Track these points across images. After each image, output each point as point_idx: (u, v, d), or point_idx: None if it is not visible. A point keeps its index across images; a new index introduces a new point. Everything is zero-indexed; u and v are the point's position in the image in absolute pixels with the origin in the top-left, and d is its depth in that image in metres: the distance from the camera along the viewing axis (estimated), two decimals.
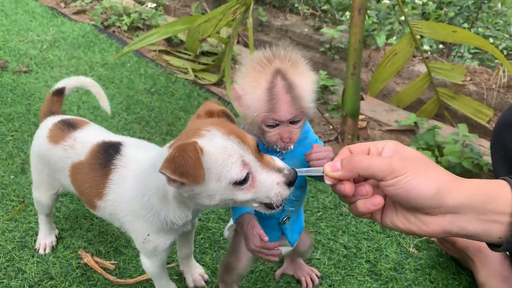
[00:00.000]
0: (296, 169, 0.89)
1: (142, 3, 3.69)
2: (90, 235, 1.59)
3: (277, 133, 0.99)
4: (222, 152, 0.85)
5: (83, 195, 1.23)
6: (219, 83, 2.69)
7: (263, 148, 1.04)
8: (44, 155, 1.31)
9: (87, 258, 1.49)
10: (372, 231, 1.68)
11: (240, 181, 0.86)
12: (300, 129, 1.01)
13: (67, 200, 1.73)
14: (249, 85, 0.97)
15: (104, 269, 1.47)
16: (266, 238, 1.03)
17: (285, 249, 1.22)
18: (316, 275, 1.47)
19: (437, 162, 1.89)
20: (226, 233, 1.35)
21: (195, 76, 2.74)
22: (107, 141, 1.22)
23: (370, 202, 0.76)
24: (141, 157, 1.14)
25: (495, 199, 0.71)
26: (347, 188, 0.76)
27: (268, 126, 0.98)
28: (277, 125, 0.98)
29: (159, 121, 2.26)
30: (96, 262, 1.49)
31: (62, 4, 3.69)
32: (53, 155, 1.27)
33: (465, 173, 1.89)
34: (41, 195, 1.41)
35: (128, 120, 2.23)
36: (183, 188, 0.88)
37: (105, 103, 1.55)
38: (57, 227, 1.60)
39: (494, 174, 1.29)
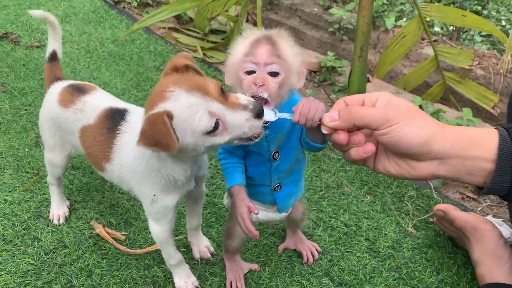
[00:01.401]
0: (275, 111, 0.96)
1: None
2: (101, 207, 1.66)
3: (252, 78, 0.98)
4: (188, 110, 0.91)
5: (92, 157, 1.30)
6: None
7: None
8: (56, 118, 1.37)
9: (99, 229, 1.56)
10: (372, 210, 1.74)
11: (211, 130, 0.92)
12: (278, 84, 0.99)
13: (80, 174, 1.80)
14: (236, 47, 1.02)
15: (115, 239, 1.54)
16: (256, 211, 1.10)
17: (271, 215, 1.30)
18: (317, 250, 1.54)
19: None
20: (226, 200, 1.40)
21: (204, 54, 2.77)
22: (114, 107, 1.28)
23: (362, 149, 0.83)
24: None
25: (480, 146, 0.78)
26: (341, 137, 0.83)
27: (245, 73, 0.99)
28: (254, 72, 0.99)
29: None
30: (108, 232, 1.56)
31: None
32: (64, 118, 1.33)
33: None
34: (55, 157, 1.47)
35: (138, 97, 2.28)
36: (165, 152, 0.96)
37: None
38: (70, 199, 1.68)
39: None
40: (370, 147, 0.82)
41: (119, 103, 1.33)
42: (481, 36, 3.59)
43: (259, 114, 0.93)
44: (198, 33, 2.98)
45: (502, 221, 1.66)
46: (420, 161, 0.80)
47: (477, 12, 3.05)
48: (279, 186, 1.22)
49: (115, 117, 1.24)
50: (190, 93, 0.91)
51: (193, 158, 1.08)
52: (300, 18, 3.35)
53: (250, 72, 0.99)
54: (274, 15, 3.47)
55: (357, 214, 1.72)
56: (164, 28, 3.06)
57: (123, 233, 1.57)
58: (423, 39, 2.90)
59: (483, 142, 0.78)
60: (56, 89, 1.40)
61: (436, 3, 3.61)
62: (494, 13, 3.12)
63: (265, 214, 1.30)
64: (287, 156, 1.15)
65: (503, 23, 3.58)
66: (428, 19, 2.36)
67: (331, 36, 3.11)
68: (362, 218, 1.70)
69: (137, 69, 2.52)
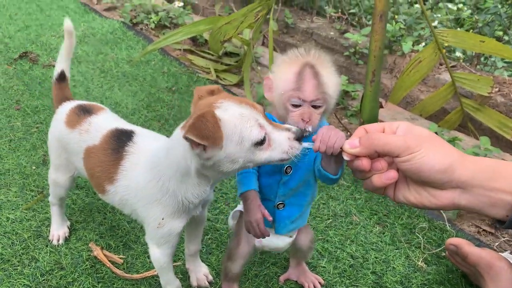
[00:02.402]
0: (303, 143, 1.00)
1: (171, 2, 3.75)
2: (102, 229, 1.64)
3: (299, 113, 1.07)
4: (239, 118, 0.94)
5: (94, 178, 1.28)
6: (240, 84, 2.71)
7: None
8: (62, 139, 1.37)
9: (97, 251, 1.53)
10: (381, 242, 1.66)
11: (260, 141, 0.95)
12: (320, 115, 1.09)
13: (83, 193, 1.79)
14: (281, 71, 1.11)
15: (113, 263, 1.51)
16: (271, 218, 1.14)
17: (275, 241, 1.29)
18: (320, 283, 1.47)
19: None
20: (231, 222, 1.40)
21: (217, 76, 2.77)
22: (120, 128, 1.27)
23: (385, 176, 0.82)
24: (151, 145, 1.20)
25: (502, 178, 0.76)
26: (364, 163, 0.83)
27: (292, 105, 1.08)
28: (300, 106, 1.08)
29: (178, 119, 2.29)
30: (105, 255, 1.53)
31: (95, 1, 3.80)
32: (70, 139, 1.33)
33: None
34: (59, 177, 1.47)
35: (147, 117, 2.28)
36: (206, 154, 0.95)
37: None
38: (71, 219, 1.66)
39: None
40: (393, 174, 0.82)
41: (125, 125, 1.32)
42: (504, 62, 3.50)
43: (299, 138, 0.98)
44: (213, 55, 2.99)
45: None
46: (441, 190, 0.79)
47: (498, 38, 2.97)
48: (282, 205, 1.22)
49: (121, 138, 1.23)
50: (240, 105, 0.96)
51: (219, 178, 1.09)
52: (316, 42, 3.34)
53: (296, 106, 1.08)
54: (290, 38, 3.47)
55: (365, 245, 1.64)
56: (180, 49, 3.09)
57: (121, 256, 1.53)
58: (441, 64, 2.83)
59: (507, 173, 0.77)
60: (64, 110, 1.41)
61: (459, 29, 3.55)
62: None
63: (270, 239, 1.27)
64: (297, 174, 1.18)
65: None
66: (446, 44, 2.30)
67: (347, 60, 3.08)
68: (370, 250, 1.62)
69: (149, 89, 2.53)
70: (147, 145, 1.21)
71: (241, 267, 1.34)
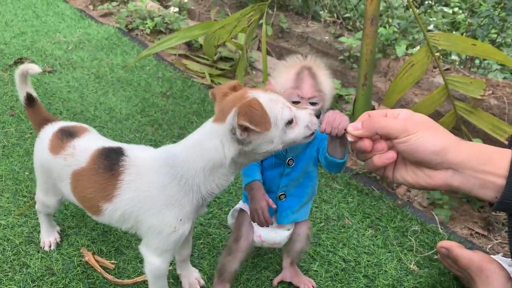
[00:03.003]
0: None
1: (166, 7, 3.76)
2: (94, 234, 1.64)
3: None
4: (271, 102, 1.02)
5: (86, 201, 1.26)
6: None
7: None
8: (47, 165, 1.34)
9: (88, 257, 1.53)
10: (373, 245, 1.66)
11: (290, 120, 1.03)
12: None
13: None
14: (281, 75, 1.21)
15: (104, 268, 1.51)
16: (274, 206, 1.24)
17: (273, 235, 1.36)
18: (313, 286, 1.46)
19: None
20: (230, 220, 1.46)
21: (212, 81, 2.78)
22: (107, 146, 1.26)
23: (384, 156, 0.89)
24: (147, 154, 1.21)
25: (493, 162, 0.83)
26: (366, 143, 0.89)
27: (292, 103, 1.14)
28: (299, 103, 1.17)
29: (172, 124, 2.30)
30: (97, 261, 1.53)
31: (91, 7, 3.81)
32: (55, 165, 1.31)
33: None
34: (47, 200, 1.45)
35: (141, 123, 2.28)
36: (249, 139, 1.03)
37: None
38: (63, 225, 1.66)
39: None
40: (392, 154, 0.89)
41: (111, 143, 1.30)
42: (499, 64, 3.50)
43: (317, 115, 1.08)
44: (208, 60, 3.00)
45: None
46: (435, 170, 0.85)
47: (492, 41, 2.98)
48: (284, 195, 1.31)
49: (111, 156, 1.22)
50: (267, 93, 1.05)
51: (248, 163, 1.16)
52: (311, 46, 3.35)
53: (295, 102, 1.17)
54: (286, 43, 3.48)
55: (357, 248, 1.64)
56: (175, 54, 3.10)
57: (113, 261, 1.53)
58: (434, 67, 2.84)
59: (496, 158, 0.83)
60: (46, 135, 1.37)
61: (455, 32, 3.56)
62: (510, 41, 3.04)
63: (268, 233, 1.35)
64: (299, 165, 1.28)
65: None
66: (439, 47, 2.31)
67: (341, 64, 3.09)
68: (362, 253, 1.62)
69: (143, 94, 2.54)
70: (145, 154, 1.21)
71: (239, 263, 1.37)
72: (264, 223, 1.25)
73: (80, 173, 1.25)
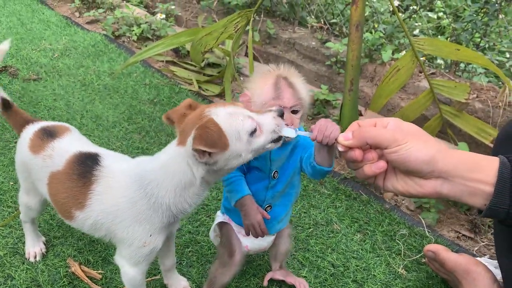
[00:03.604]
0: (296, 129, 1.09)
1: (153, 14, 3.75)
2: (80, 244, 1.62)
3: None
4: (230, 117, 1.02)
5: (59, 204, 1.25)
6: (222, 95, 2.72)
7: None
8: (27, 164, 1.34)
9: (75, 267, 1.51)
10: (362, 249, 1.66)
11: (254, 130, 1.03)
12: (299, 119, 1.20)
13: None
14: (258, 86, 1.22)
15: (91, 278, 1.49)
16: (269, 216, 1.25)
17: (257, 242, 1.36)
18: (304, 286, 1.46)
19: None
20: (212, 234, 1.46)
21: (199, 87, 2.77)
22: (84, 152, 1.24)
23: (375, 165, 0.90)
24: (122, 166, 1.19)
25: (481, 170, 0.84)
26: (357, 154, 0.91)
27: None
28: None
29: (159, 131, 2.29)
30: (84, 271, 1.51)
31: (77, 14, 3.79)
32: (34, 164, 1.30)
33: None
34: (30, 200, 1.44)
35: (128, 130, 2.27)
36: (213, 159, 1.02)
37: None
38: (49, 235, 1.64)
39: None
40: (382, 164, 0.90)
41: (89, 147, 1.29)
42: (483, 68, 3.55)
43: (281, 114, 1.07)
44: (195, 66, 3.00)
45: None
46: (425, 179, 0.86)
47: (477, 45, 3.02)
48: (270, 207, 1.31)
49: (86, 163, 1.20)
50: (226, 107, 1.04)
51: (219, 179, 1.16)
52: (298, 52, 3.37)
53: None
54: (273, 49, 3.49)
55: (346, 253, 1.64)
56: (162, 61, 3.09)
57: (100, 271, 1.51)
58: (420, 72, 2.87)
59: (485, 166, 0.85)
60: (27, 134, 1.36)
61: (440, 36, 3.60)
62: (498, 46, 3.09)
63: (252, 241, 1.35)
64: (284, 176, 1.28)
65: (507, 55, 3.54)
66: (425, 52, 2.34)
67: (328, 69, 3.10)
68: (351, 258, 1.62)
69: (130, 102, 2.52)
70: (118, 166, 1.20)
71: (232, 277, 1.36)
72: (261, 235, 1.26)
73: (56, 176, 1.24)
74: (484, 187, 0.84)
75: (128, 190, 1.14)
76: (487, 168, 0.84)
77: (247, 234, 1.28)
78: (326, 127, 1.04)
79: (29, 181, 1.38)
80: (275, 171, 1.27)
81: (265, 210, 1.30)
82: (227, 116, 1.02)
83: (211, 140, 0.97)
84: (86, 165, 1.19)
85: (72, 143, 1.30)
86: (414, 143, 0.85)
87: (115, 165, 1.20)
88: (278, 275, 1.49)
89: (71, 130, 1.37)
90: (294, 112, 1.20)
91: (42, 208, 1.47)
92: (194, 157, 1.02)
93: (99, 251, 1.59)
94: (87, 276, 1.49)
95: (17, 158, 1.41)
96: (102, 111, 2.41)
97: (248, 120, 1.03)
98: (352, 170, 0.97)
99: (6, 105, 1.43)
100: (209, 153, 1.00)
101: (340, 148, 0.93)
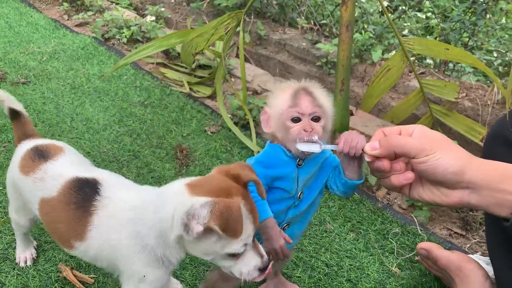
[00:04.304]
0: (321, 143, 1.05)
1: (143, 16, 3.74)
2: None
3: (300, 127, 1.09)
4: (244, 225, 0.94)
5: (56, 234, 1.19)
6: (213, 96, 2.71)
7: (290, 157, 1.16)
8: (17, 183, 1.27)
9: (66, 272, 1.49)
10: (355, 249, 1.67)
11: (234, 254, 0.97)
12: (322, 128, 1.11)
13: None
14: (276, 98, 1.15)
15: (83, 283, 1.47)
16: (291, 241, 1.19)
17: None
18: None
19: None
20: None
21: (190, 89, 2.76)
22: (82, 178, 1.15)
23: (403, 176, 0.89)
24: (123, 196, 1.11)
25: (509, 181, 0.84)
26: (385, 164, 0.90)
27: (292, 121, 1.10)
28: (300, 120, 1.10)
29: (150, 133, 2.27)
30: (76, 276, 1.49)
31: (65, 17, 3.76)
32: (24, 186, 1.22)
33: None
34: (20, 218, 1.39)
35: (119, 133, 2.25)
36: (198, 236, 0.92)
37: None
38: (40, 240, 1.61)
39: None
40: (410, 175, 0.89)
41: (86, 171, 1.19)
42: (472, 67, 3.59)
43: (264, 269, 1.01)
44: (186, 68, 2.99)
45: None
46: (452, 189, 0.87)
47: (465, 44, 3.05)
48: (288, 225, 1.24)
49: (84, 190, 1.12)
50: (247, 215, 0.96)
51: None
52: (289, 53, 3.37)
53: (296, 120, 1.10)
54: (264, 50, 3.50)
55: (339, 253, 1.64)
56: (153, 63, 3.08)
57: (92, 276, 1.50)
58: (410, 72, 2.89)
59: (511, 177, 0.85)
60: (20, 151, 1.28)
61: (428, 36, 3.63)
62: (485, 45, 3.12)
63: None
64: (310, 196, 1.21)
65: (495, 54, 3.58)
66: (414, 52, 2.35)
67: (319, 70, 3.12)
68: (344, 258, 1.62)
69: (121, 104, 2.50)
70: (119, 197, 1.12)
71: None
72: (282, 259, 1.21)
73: (50, 203, 1.15)
74: (511, 197, 0.84)
75: (124, 225, 1.07)
76: None
77: (270, 259, 1.19)
78: (351, 138, 1.01)
79: (19, 200, 1.32)
80: (301, 192, 1.20)
81: (283, 229, 1.23)
82: (242, 221, 0.94)
83: (229, 225, 0.90)
84: (84, 193, 1.11)
85: (67, 166, 1.21)
86: (443, 154, 0.84)
87: (114, 196, 1.12)
88: (271, 286, 1.48)
89: (65, 150, 1.27)
90: (315, 120, 1.11)
91: (32, 225, 1.42)
92: (185, 215, 0.92)
93: None
94: (79, 281, 1.47)
95: (8, 173, 1.33)
96: (92, 114, 2.39)
97: (241, 244, 0.96)
98: (378, 178, 0.97)
99: (13, 114, 1.36)
100: (206, 232, 0.92)
101: (367, 158, 0.93)
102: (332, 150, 1.08)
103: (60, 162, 1.22)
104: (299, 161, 1.15)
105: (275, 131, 1.15)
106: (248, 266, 1.00)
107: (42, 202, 1.17)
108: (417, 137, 0.89)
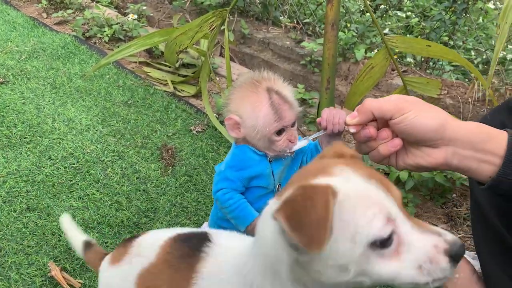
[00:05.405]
0: (307, 137, 1.06)
1: (125, 15, 3.68)
2: (56, 252, 1.56)
3: (285, 138, 1.14)
4: (362, 199, 0.65)
5: None
6: (198, 95, 2.69)
7: (261, 155, 1.18)
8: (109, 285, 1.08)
9: (55, 271, 1.46)
10: None
11: (382, 241, 0.63)
12: (296, 130, 1.18)
13: (35, 216, 1.70)
14: (250, 109, 1.14)
15: (70, 286, 1.44)
16: None
17: None
18: None
19: (409, 176, 1.90)
20: None
21: (174, 88, 2.74)
22: (185, 233, 1.01)
23: (391, 143, 0.89)
24: (235, 244, 0.92)
25: (492, 140, 0.84)
26: (371, 130, 0.89)
27: (276, 134, 1.14)
28: (283, 131, 1.14)
29: (135, 133, 2.24)
30: (64, 277, 1.46)
31: (44, 15, 3.67)
32: (115, 276, 1.05)
33: (438, 188, 1.90)
34: None
35: (102, 133, 2.21)
36: (302, 252, 0.65)
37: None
38: (22, 244, 1.57)
39: (470, 185, 1.33)
40: (398, 141, 0.89)
41: (184, 230, 1.04)
42: (451, 65, 3.66)
43: (455, 257, 0.65)
44: (170, 67, 2.96)
45: (476, 254, 1.61)
46: (434, 148, 0.86)
47: (445, 43, 3.10)
48: None
49: (191, 241, 0.96)
50: (368, 180, 0.67)
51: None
52: (273, 52, 3.37)
53: (279, 132, 1.14)
54: (248, 48, 3.49)
55: None
56: (136, 62, 3.03)
57: (79, 280, 1.47)
58: (393, 70, 2.93)
59: (495, 137, 0.84)
60: (105, 260, 1.12)
61: (408, 35, 3.68)
62: (460, 43, 3.18)
63: None
64: None
65: (473, 53, 3.66)
66: (397, 50, 2.38)
67: (303, 68, 3.12)
68: None
69: (104, 104, 2.46)
70: (230, 244, 0.92)
71: None
72: None
73: (149, 271, 0.97)
74: (493, 159, 0.83)
75: (231, 277, 0.84)
76: (497, 139, 0.84)
77: None
78: (332, 116, 1.03)
79: None
80: (279, 184, 1.22)
81: None
82: (359, 194, 0.65)
83: (300, 220, 0.60)
84: (191, 243, 0.95)
85: (159, 232, 1.09)
86: (420, 111, 0.84)
87: (226, 243, 0.93)
88: None
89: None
90: (293, 125, 1.16)
91: None
92: (281, 230, 0.65)
93: (76, 259, 1.54)
94: (67, 283, 1.44)
95: None
96: (74, 114, 2.34)
97: (381, 220, 0.64)
98: (366, 155, 0.96)
99: (87, 246, 1.24)
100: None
101: (352, 129, 0.91)
102: (318, 136, 1.09)
103: (151, 234, 1.10)
104: (269, 158, 1.19)
105: (251, 138, 1.17)
106: (425, 252, 0.64)
107: (140, 276, 0.98)
108: (393, 99, 0.90)
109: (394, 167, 0.95)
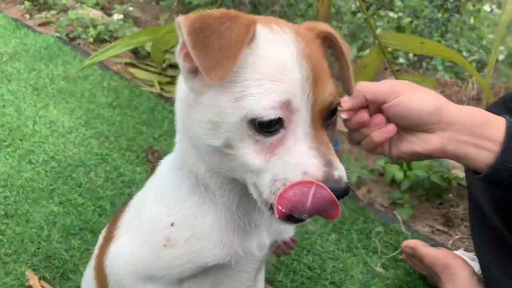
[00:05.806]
0: None
1: (110, 15, 3.60)
2: (35, 260, 1.47)
3: None
4: (273, 67, 0.57)
5: None
6: None
7: None
8: None
9: (34, 281, 1.37)
10: (338, 250, 1.61)
11: (264, 123, 0.56)
12: None
13: (14, 223, 1.61)
14: None
15: None
16: None
17: None
18: None
19: (405, 176, 1.84)
20: None
21: (161, 89, 2.66)
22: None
23: (385, 130, 0.83)
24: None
25: (490, 126, 0.80)
26: (364, 115, 0.83)
27: None
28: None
29: (119, 136, 2.15)
30: (43, 287, 1.38)
31: (27, 16, 3.57)
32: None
33: (434, 188, 1.84)
34: None
35: (86, 136, 2.12)
36: (193, 70, 0.60)
37: None
38: (0, 252, 1.48)
39: (467, 183, 1.29)
40: (392, 127, 0.84)
41: None
42: (443, 65, 3.64)
43: (339, 192, 0.61)
44: (156, 67, 2.88)
45: (474, 255, 1.55)
46: (430, 133, 0.81)
47: (437, 42, 3.08)
48: None
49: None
50: (300, 58, 0.60)
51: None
52: None
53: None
54: None
55: (322, 254, 1.58)
56: (121, 63, 2.95)
57: None
58: (386, 69, 2.88)
59: (493, 123, 0.81)
60: None
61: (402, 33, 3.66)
62: (452, 43, 3.16)
63: None
64: None
65: (464, 53, 3.65)
66: (390, 48, 2.34)
67: None
68: (327, 259, 1.56)
69: (87, 106, 2.37)
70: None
71: None
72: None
73: None
74: (492, 145, 0.79)
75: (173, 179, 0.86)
76: (495, 125, 0.81)
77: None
78: None
79: None
80: None
81: None
82: (277, 56, 0.58)
83: (207, 38, 0.52)
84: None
85: None
86: (414, 94, 0.80)
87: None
88: None
89: None
90: None
91: None
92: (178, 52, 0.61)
93: (56, 267, 1.46)
94: None
95: None
96: (57, 116, 2.25)
97: (273, 102, 0.57)
98: (359, 144, 0.91)
99: None
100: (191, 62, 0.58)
101: (344, 115, 0.85)
102: None
103: None
104: None
105: None
106: (296, 163, 0.57)
107: None
108: (387, 82, 0.86)
109: (388, 156, 0.89)
